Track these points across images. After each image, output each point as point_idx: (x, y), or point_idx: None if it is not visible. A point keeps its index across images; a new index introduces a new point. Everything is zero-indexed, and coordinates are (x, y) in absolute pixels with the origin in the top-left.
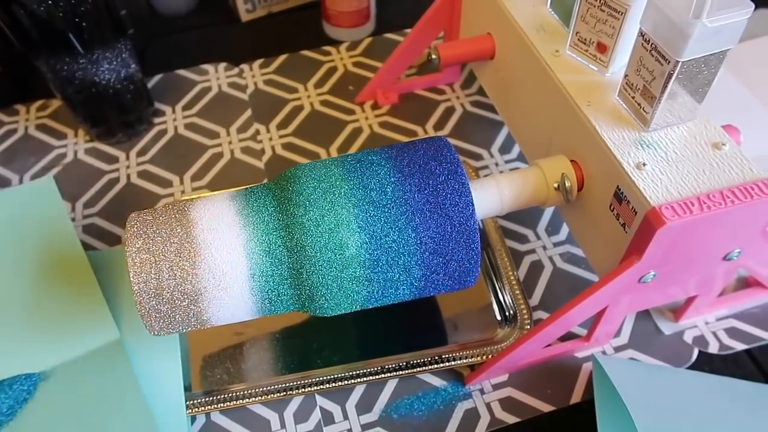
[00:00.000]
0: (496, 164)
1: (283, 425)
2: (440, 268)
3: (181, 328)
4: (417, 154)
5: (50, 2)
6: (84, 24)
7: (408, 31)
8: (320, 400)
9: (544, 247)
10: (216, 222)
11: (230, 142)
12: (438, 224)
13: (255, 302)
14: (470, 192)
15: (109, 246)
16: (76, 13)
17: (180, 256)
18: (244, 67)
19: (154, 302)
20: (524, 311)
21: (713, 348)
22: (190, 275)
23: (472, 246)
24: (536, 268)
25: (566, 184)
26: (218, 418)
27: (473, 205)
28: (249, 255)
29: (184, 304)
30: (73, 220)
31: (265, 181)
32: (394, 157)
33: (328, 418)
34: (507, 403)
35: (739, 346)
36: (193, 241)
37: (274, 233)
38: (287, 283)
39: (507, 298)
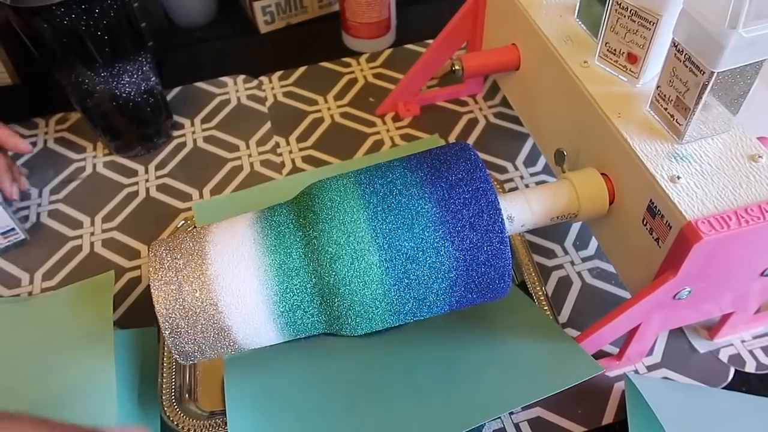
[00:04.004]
0: (521, 177)
1: None
2: (470, 285)
3: (211, 354)
4: (443, 167)
5: (73, 15)
6: (106, 37)
7: (429, 41)
8: None
9: (572, 263)
10: (237, 247)
11: (250, 155)
12: (467, 241)
13: (281, 327)
14: (500, 208)
15: (128, 260)
16: (98, 25)
17: (202, 283)
18: (263, 79)
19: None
20: None
21: (750, 367)
22: (213, 304)
23: (503, 260)
24: (564, 284)
25: (563, 153)
26: None
27: (503, 221)
28: (270, 281)
29: (211, 332)
30: (92, 234)
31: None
32: (421, 172)
33: None
34: (536, 424)
35: None
36: (211, 270)
37: (297, 259)
38: (313, 307)
39: None
